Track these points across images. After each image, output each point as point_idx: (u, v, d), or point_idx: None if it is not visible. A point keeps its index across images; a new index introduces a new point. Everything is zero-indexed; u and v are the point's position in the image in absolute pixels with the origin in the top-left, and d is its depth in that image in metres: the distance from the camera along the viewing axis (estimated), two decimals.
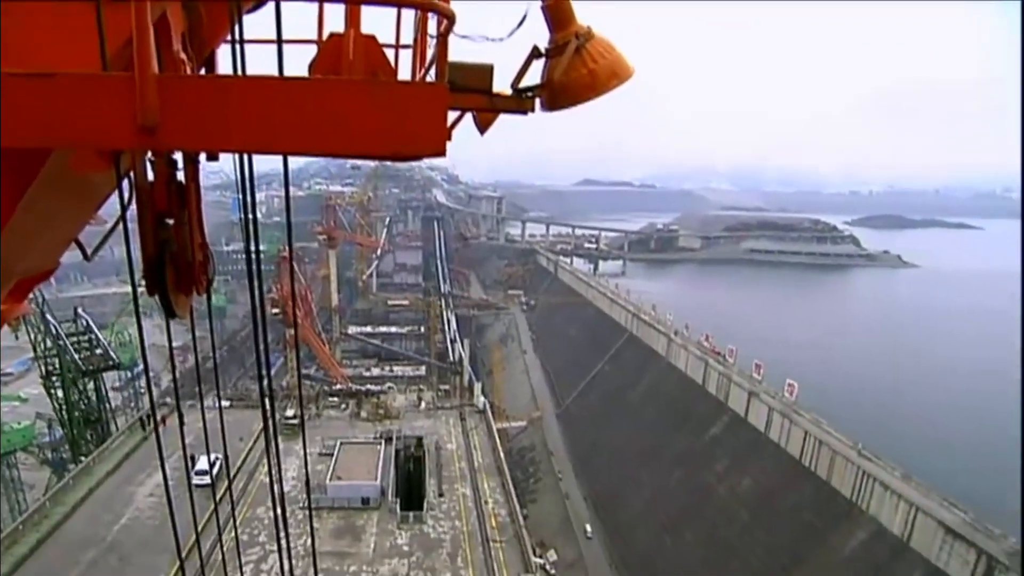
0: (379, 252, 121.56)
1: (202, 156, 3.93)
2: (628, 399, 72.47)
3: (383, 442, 41.71)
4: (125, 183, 3.60)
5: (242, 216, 4.46)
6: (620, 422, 69.89)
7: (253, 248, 4.93)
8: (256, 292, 4.98)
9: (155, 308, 3.89)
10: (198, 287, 4.01)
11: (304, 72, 3.44)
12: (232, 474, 37.17)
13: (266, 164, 5.16)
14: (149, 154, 3.50)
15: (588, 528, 55.33)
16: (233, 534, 31.55)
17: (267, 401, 6.08)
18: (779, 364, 56.17)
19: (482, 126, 4.42)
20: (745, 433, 52.74)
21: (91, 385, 45.33)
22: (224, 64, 3.84)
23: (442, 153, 3.15)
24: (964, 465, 52.32)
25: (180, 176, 3.70)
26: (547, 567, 48.85)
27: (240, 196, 4.46)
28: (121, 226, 3.75)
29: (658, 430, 63.57)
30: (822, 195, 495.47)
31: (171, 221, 3.64)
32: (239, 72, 3.48)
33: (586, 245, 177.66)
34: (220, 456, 36.14)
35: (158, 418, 41.06)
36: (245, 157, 4.32)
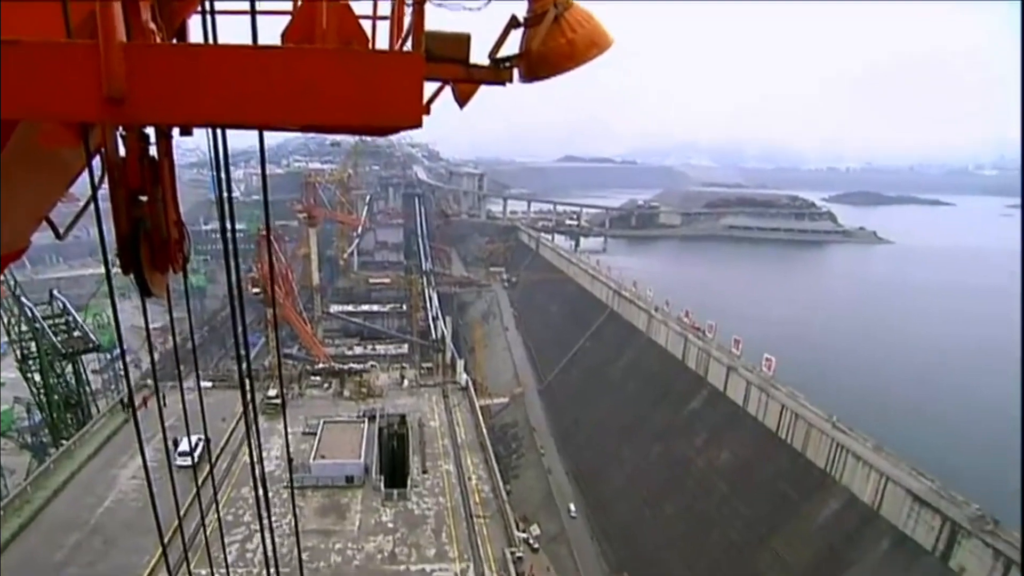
0: (360, 230, 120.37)
1: (175, 131, 3.84)
2: (609, 375, 73.29)
3: (366, 420, 41.72)
4: (97, 159, 3.49)
5: (218, 192, 4.34)
6: (601, 397, 70.74)
7: (229, 226, 4.82)
8: (233, 271, 4.88)
9: (134, 288, 3.81)
10: (174, 265, 3.96)
11: (277, 42, 3.33)
12: (215, 455, 37.05)
13: (243, 141, 5.01)
14: (120, 129, 3.39)
15: (572, 507, 56.10)
16: (219, 513, 31.61)
17: (247, 381, 6.00)
18: (757, 339, 57.05)
19: (461, 99, 4.32)
20: (724, 407, 53.72)
21: (70, 368, 44.58)
22: (196, 34, 3.71)
23: (418, 124, 3.10)
24: (935, 435, 53.91)
25: (153, 152, 3.61)
26: (530, 541, 49.68)
27: (215, 173, 4.33)
28: (93, 204, 3.65)
29: (639, 405, 64.49)
30: (801, 171, 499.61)
31: (145, 198, 3.56)
32: (210, 41, 3.35)
33: (567, 222, 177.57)
34: (203, 437, 36.05)
35: (140, 400, 40.71)
36: (219, 132, 4.17)
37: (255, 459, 6.41)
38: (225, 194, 4.54)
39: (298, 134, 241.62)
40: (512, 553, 29.73)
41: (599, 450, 64.36)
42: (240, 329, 5.36)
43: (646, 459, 58.00)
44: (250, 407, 5.93)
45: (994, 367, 76.44)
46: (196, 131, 3.85)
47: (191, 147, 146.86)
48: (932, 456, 42.02)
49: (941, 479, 35.47)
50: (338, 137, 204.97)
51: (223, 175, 4.31)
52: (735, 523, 45.39)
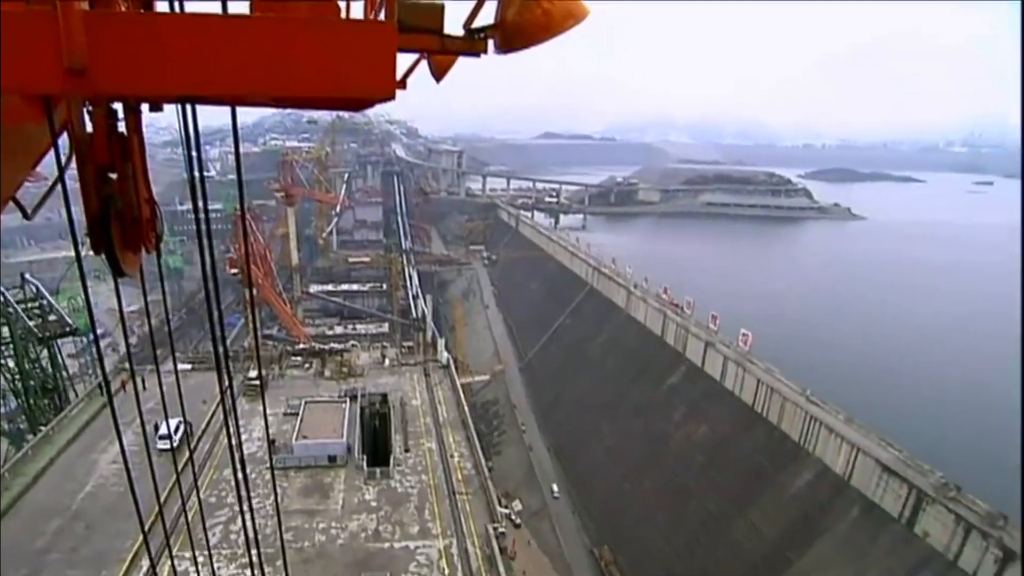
0: (339, 209, 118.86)
1: (145, 107, 3.72)
2: (589, 351, 73.93)
3: (348, 400, 41.60)
4: (64, 137, 3.36)
5: (189, 171, 4.21)
6: (581, 374, 71.43)
7: (202, 205, 4.68)
8: (207, 251, 4.75)
9: (109, 270, 3.70)
10: (147, 244, 3.87)
11: (246, 11, 3.20)
12: (197, 437, 36.75)
13: (218, 118, 4.84)
14: (87, 104, 3.25)
15: (555, 487, 56.66)
16: (199, 496, 31.45)
17: (223, 363, 5.89)
18: (735, 315, 57.84)
19: (437, 72, 4.21)
20: (702, 382, 54.61)
21: (45, 353, 43.62)
22: (163, 3, 3.55)
23: (391, 96, 3.03)
24: (905, 406, 55.47)
25: (122, 128, 3.50)
26: (512, 517, 50.36)
27: (185, 150, 4.18)
28: (61, 183, 3.53)
29: (618, 381, 65.26)
30: (777, 148, 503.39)
31: (114, 176, 3.46)
32: (176, 9, 3.20)
33: (547, 199, 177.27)
34: (182, 420, 35.71)
35: (119, 383, 40.04)
36: (189, 108, 4.02)
37: (233, 441, 6.34)
38: (197, 173, 4.41)
39: (274, 112, 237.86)
40: (495, 529, 30.08)
41: (579, 426, 65.17)
42: (215, 310, 5.26)
43: (626, 434, 58.88)
44: (227, 389, 5.84)
45: (962, 340, 78.72)
46: (167, 107, 3.73)
47: (164, 125, 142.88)
48: (902, 427, 43.34)
49: (909, 449, 36.62)
50: (315, 114, 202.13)
51: (195, 153, 4.18)
52: (712, 495, 46.46)
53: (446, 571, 27.82)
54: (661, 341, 62.76)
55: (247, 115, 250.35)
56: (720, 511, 45.02)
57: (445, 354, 53.52)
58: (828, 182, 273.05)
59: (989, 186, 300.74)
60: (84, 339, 64.09)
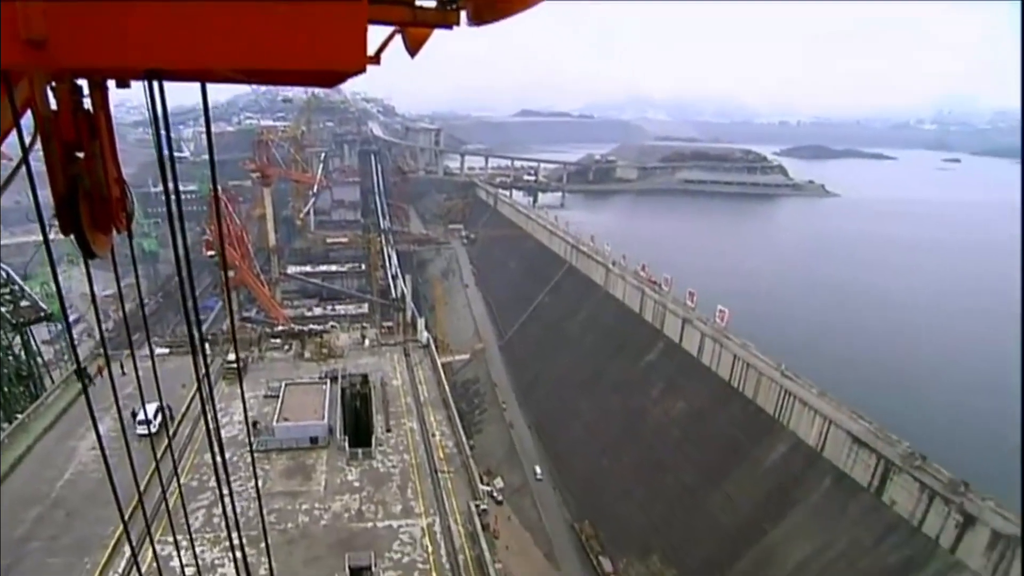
0: (316, 189, 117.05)
1: (112, 83, 3.57)
2: (568, 329, 74.42)
3: (328, 381, 41.45)
4: (28, 115, 3.22)
5: (158, 149, 4.05)
6: (561, 352, 71.95)
7: (174, 186, 4.53)
8: (180, 233, 4.60)
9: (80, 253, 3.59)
10: (117, 225, 3.75)
11: None
12: (177, 421, 36.36)
13: (190, 97, 4.67)
14: (51, 80, 3.11)
15: (537, 469, 57.10)
16: (181, 481, 31.20)
17: (199, 347, 5.76)
18: (712, 291, 58.56)
19: (411, 46, 4.11)
20: (679, 358, 55.39)
21: (18, 340, 42.55)
22: None
23: (362, 68, 2.95)
24: (874, 379, 56.98)
25: (88, 104, 3.37)
26: (494, 494, 50.90)
27: (153, 128, 3.99)
28: (25, 163, 3.39)
29: (597, 358, 65.90)
30: (753, 125, 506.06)
31: (81, 154, 3.35)
32: None
33: (525, 177, 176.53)
34: (167, 404, 35.24)
35: (95, 369, 39.27)
36: (157, 84, 3.85)
37: (211, 425, 6.26)
38: (166, 151, 4.25)
39: (248, 90, 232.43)
40: (476, 506, 30.39)
41: (559, 403, 65.83)
42: (190, 293, 5.12)
43: (604, 411, 59.65)
44: (204, 373, 5.75)
45: (931, 313, 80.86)
46: (135, 84, 3.59)
47: (135, 104, 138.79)
48: (873, 399, 44.54)
49: (878, 420, 37.70)
50: (290, 93, 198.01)
51: (163, 131, 4.01)
52: (689, 469, 47.46)
53: (429, 549, 28.12)
54: (639, 318, 63.38)
55: (220, 94, 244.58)
56: (697, 484, 46.04)
57: (425, 334, 53.47)
58: (803, 159, 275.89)
59: (957, 163, 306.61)
60: (58, 325, 62.81)
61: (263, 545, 23.26)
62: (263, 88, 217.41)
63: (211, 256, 51.84)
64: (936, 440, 39.20)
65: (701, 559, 42.02)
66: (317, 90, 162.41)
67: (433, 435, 37.62)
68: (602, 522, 50.39)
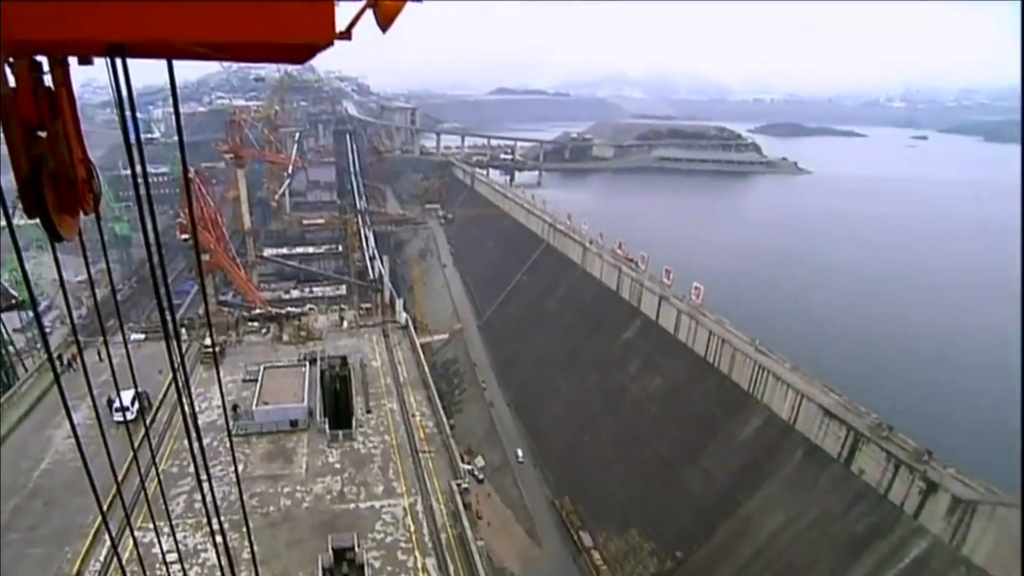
0: (291, 169, 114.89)
1: (73, 61, 3.48)
2: (546, 308, 74.90)
3: (307, 364, 41.13)
4: None
5: (123, 129, 3.95)
6: (539, 330, 72.49)
7: (147, 167, 4.42)
8: (148, 216, 4.48)
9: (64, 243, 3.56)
10: (84, 206, 3.70)
11: None
12: (155, 407, 35.93)
13: (159, 77, 4.55)
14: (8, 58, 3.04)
15: (519, 452, 57.69)
16: (161, 466, 31.00)
17: (172, 332, 5.66)
18: (687, 269, 59.31)
19: (383, 21, 4.08)
20: (656, 335, 56.22)
21: None
22: None
23: (330, 41, 2.94)
24: (844, 352, 58.55)
25: (49, 82, 3.32)
26: (475, 472, 51.54)
27: (118, 109, 3.90)
28: None
29: (575, 336, 66.56)
30: (728, 103, 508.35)
31: (43, 134, 3.30)
32: None
33: (502, 156, 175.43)
34: (144, 390, 34.77)
35: (70, 356, 38.46)
36: (120, 62, 3.63)
37: (187, 410, 6.30)
38: (132, 133, 4.14)
39: (219, 69, 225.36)
40: (458, 485, 30.69)
41: (538, 381, 66.50)
42: (162, 277, 5.04)
43: (583, 388, 60.46)
44: (179, 358, 5.70)
45: (899, 288, 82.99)
46: (99, 62, 3.50)
47: (101, 84, 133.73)
48: (842, 372, 45.87)
49: (848, 393, 38.91)
50: (262, 72, 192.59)
51: (128, 111, 3.91)
52: (667, 444, 48.53)
53: (411, 528, 28.40)
54: (616, 296, 64.04)
55: (190, 73, 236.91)
56: (674, 459, 47.14)
57: (404, 314, 53.34)
58: (777, 137, 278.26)
59: (924, 140, 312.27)
60: (29, 312, 61.28)
61: (245, 529, 23.37)
62: (234, 67, 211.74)
63: (185, 239, 50.66)
64: (907, 412, 40.62)
65: (678, 532, 43.22)
66: (290, 69, 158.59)
67: (413, 415, 37.75)
68: (582, 498, 51.39)
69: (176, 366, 5.60)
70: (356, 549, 25.83)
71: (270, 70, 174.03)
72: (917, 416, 42.65)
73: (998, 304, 76.44)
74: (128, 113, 3.75)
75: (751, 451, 42.20)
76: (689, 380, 50.44)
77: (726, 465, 43.11)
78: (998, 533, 27.76)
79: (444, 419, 37.61)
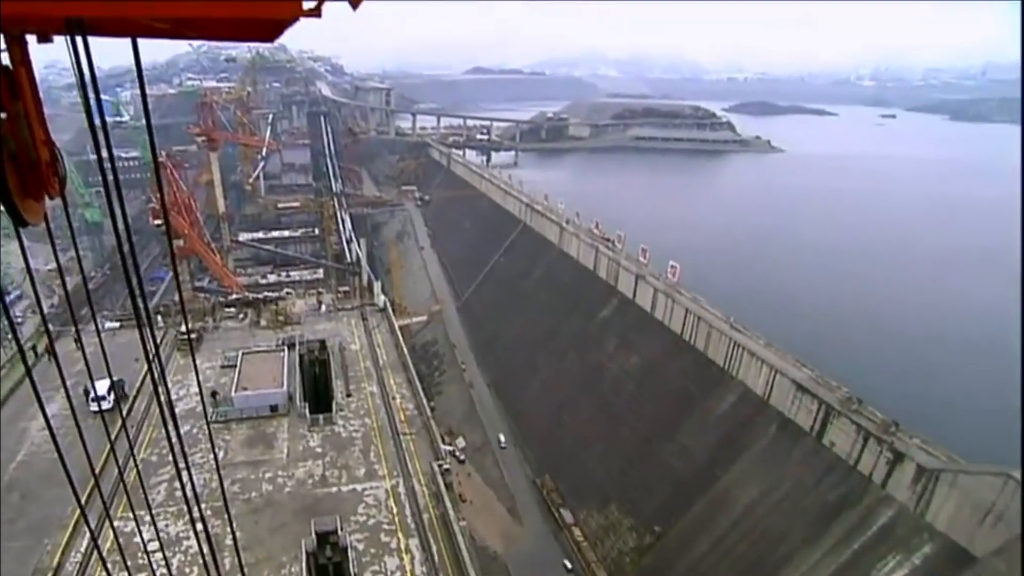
0: (264, 152, 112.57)
1: (32, 39, 3.37)
2: (524, 288, 75.13)
3: (286, 348, 40.89)
4: None
5: (86, 110, 3.81)
6: (517, 311, 72.75)
7: (120, 152, 4.20)
8: (116, 201, 4.30)
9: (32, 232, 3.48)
10: (49, 190, 3.61)
11: None
12: (132, 395, 35.42)
13: (125, 57, 4.36)
14: None
15: (502, 437, 57.97)
16: (140, 455, 30.68)
17: (144, 319, 5.52)
18: (664, 247, 59.85)
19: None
20: (633, 314, 56.84)
21: None
22: None
23: (295, 16, 2.88)
24: (817, 328, 59.89)
25: (7, 61, 3.24)
26: (456, 453, 51.90)
27: (80, 88, 3.63)
28: None
29: (553, 316, 66.98)
30: (703, 82, 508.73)
31: (3, 115, 3.23)
32: None
33: (478, 136, 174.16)
34: (120, 379, 34.18)
35: (43, 348, 37.47)
36: (80, 39, 3.44)
37: (163, 398, 6.26)
38: (95, 113, 4.00)
39: (188, 50, 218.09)
40: (439, 466, 30.95)
41: (518, 361, 66.92)
42: (132, 264, 4.91)
43: (562, 367, 61.03)
44: (153, 346, 5.60)
45: (870, 265, 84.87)
46: (60, 40, 3.37)
47: (66, 65, 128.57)
48: (815, 347, 46.98)
49: (820, 368, 39.92)
50: (233, 52, 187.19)
51: (91, 91, 3.64)
52: (645, 420, 49.37)
53: (394, 510, 28.63)
54: (594, 275, 64.45)
55: (158, 53, 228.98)
56: (652, 435, 48.02)
57: (382, 297, 53.13)
58: (750, 115, 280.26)
59: (893, 119, 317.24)
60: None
61: (227, 516, 23.32)
62: (204, 47, 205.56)
63: (158, 225, 49.51)
64: (876, 385, 41.86)
65: (657, 507, 44.21)
66: (262, 49, 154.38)
67: (393, 398, 37.85)
68: (562, 476, 52.19)
69: (151, 354, 5.49)
70: (339, 532, 26.01)
71: (241, 50, 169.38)
72: (886, 389, 44.01)
73: (967, 280, 78.86)
74: (92, 94, 3.57)
75: (727, 426, 43.16)
76: (666, 357, 51.20)
77: (703, 440, 44.08)
78: (959, 499, 28.95)
79: (424, 401, 37.76)
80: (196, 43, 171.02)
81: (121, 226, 4.49)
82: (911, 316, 68.41)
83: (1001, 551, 26.35)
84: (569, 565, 45.03)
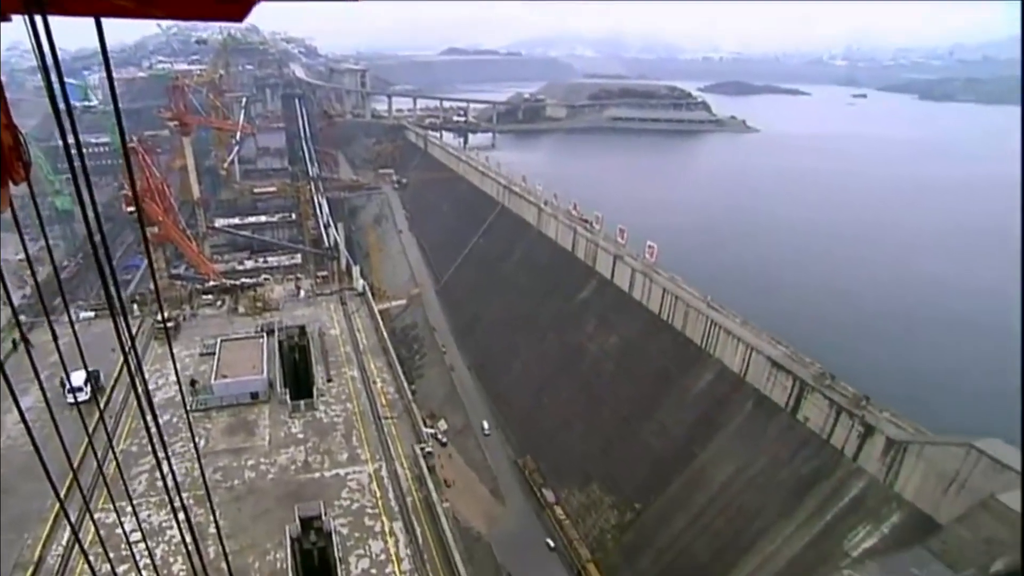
0: (239, 136, 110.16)
1: None
2: (503, 270, 75.21)
3: (265, 335, 40.59)
4: None
5: (49, 93, 3.68)
6: (497, 293, 72.88)
7: (76, 137, 4.08)
8: (84, 188, 4.21)
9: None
10: (13, 175, 3.53)
11: None
12: (110, 386, 34.91)
13: (89, 39, 4.20)
14: None
15: (485, 424, 58.09)
16: (120, 446, 30.36)
17: (118, 308, 5.45)
18: (641, 228, 60.21)
19: None
20: (611, 294, 57.33)
21: None
22: None
23: None
24: (791, 306, 61.05)
25: None
26: (438, 436, 52.21)
27: (42, 71, 3.49)
28: None
29: (532, 297, 67.24)
30: (678, 61, 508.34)
31: None
32: None
33: (455, 118, 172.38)
34: (97, 370, 33.61)
35: (11, 340, 36.57)
36: (40, 18, 3.29)
37: (139, 388, 6.22)
38: (59, 97, 3.87)
39: (156, 31, 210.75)
40: (422, 449, 31.18)
41: (498, 343, 67.19)
42: (104, 253, 4.81)
43: (542, 349, 61.45)
44: (128, 335, 5.53)
45: (842, 244, 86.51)
46: (18, 20, 3.27)
47: (28, 47, 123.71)
48: (789, 325, 47.93)
49: (794, 345, 40.81)
50: (204, 34, 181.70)
51: (53, 74, 3.50)
52: (624, 399, 50.08)
53: (377, 494, 28.84)
54: (572, 256, 64.74)
55: (126, 35, 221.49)
56: (631, 414, 48.77)
57: (361, 281, 52.87)
58: (726, 95, 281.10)
59: (864, 98, 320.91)
60: None
61: (209, 504, 23.29)
62: (173, 28, 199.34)
63: (131, 212, 48.45)
64: (848, 361, 42.94)
65: (637, 484, 45.06)
66: (233, 30, 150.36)
67: (374, 382, 37.88)
68: (543, 456, 52.82)
69: (127, 344, 5.42)
70: (323, 517, 26.16)
71: (212, 31, 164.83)
72: (857, 364, 45.19)
73: (936, 257, 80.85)
74: (55, 77, 3.42)
75: (704, 404, 44.00)
76: (644, 337, 51.83)
77: (681, 419, 44.89)
78: (925, 470, 30.05)
79: (405, 384, 37.89)
80: (165, 24, 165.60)
81: (91, 214, 4.38)
82: (884, 292, 70.03)
83: (963, 518, 27.46)
84: (552, 543, 45.80)
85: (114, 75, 4.93)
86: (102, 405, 29.59)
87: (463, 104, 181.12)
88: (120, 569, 21.49)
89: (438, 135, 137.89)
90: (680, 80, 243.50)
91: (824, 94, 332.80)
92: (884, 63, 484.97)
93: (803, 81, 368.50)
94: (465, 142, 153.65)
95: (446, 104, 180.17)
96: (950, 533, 27.57)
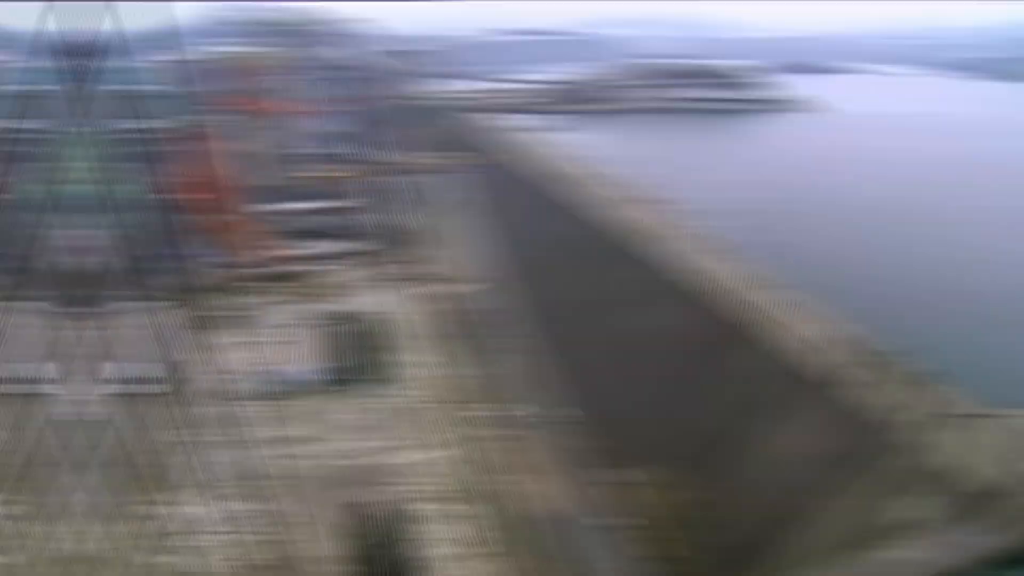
0: (300, 119, 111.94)
1: None
2: (578, 251, 74.46)
3: (324, 321, 40.43)
4: None
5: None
6: (573, 276, 72.25)
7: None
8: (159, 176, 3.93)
9: None
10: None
11: None
12: (175, 374, 34.36)
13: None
14: None
15: (565, 410, 56.96)
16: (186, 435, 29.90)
17: (188, 298, 5.29)
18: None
19: None
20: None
21: None
22: None
23: None
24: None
25: None
26: (513, 418, 51.94)
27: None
28: None
29: (608, 282, 66.35)
30: (748, 41, 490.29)
31: None
32: None
33: (516, 99, 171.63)
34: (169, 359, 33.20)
35: None
36: None
37: (208, 377, 6.09)
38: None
39: (212, 9, 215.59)
40: (493, 432, 30.97)
41: (578, 326, 66.60)
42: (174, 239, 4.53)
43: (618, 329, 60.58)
44: (192, 323, 5.28)
45: (919, 228, 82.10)
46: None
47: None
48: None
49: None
50: (260, 15, 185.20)
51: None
52: None
53: (443, 479, 28.27)
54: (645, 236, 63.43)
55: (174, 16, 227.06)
56: None
57: (427, 265, 51.77)
58: (798, 74, 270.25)
59: (939, 78, 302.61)
60: None
61: (265, 493, 23.23)
62: (223, 8, 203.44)
63: (194, 199, 49.13)
64: None
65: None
66: (291, 9, 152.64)
67: (447, 366, 37.07)
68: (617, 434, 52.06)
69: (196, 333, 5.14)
70: (382, 504, 25.83)
71: (275, 10, 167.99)
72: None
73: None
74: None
75: None
76: None
77: None
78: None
79: (475, 369, 36.90)
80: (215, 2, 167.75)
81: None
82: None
83: None
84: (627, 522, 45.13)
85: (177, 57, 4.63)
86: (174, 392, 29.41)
87: (523, 85, 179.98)
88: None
89: (501, 116, 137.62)
90: (749, 59, 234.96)
91: (899, 73, 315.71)
92: (958, 42, 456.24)
93: (873, 60, 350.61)
94: (526, 124, 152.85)
95: (506, 85, 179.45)
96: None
